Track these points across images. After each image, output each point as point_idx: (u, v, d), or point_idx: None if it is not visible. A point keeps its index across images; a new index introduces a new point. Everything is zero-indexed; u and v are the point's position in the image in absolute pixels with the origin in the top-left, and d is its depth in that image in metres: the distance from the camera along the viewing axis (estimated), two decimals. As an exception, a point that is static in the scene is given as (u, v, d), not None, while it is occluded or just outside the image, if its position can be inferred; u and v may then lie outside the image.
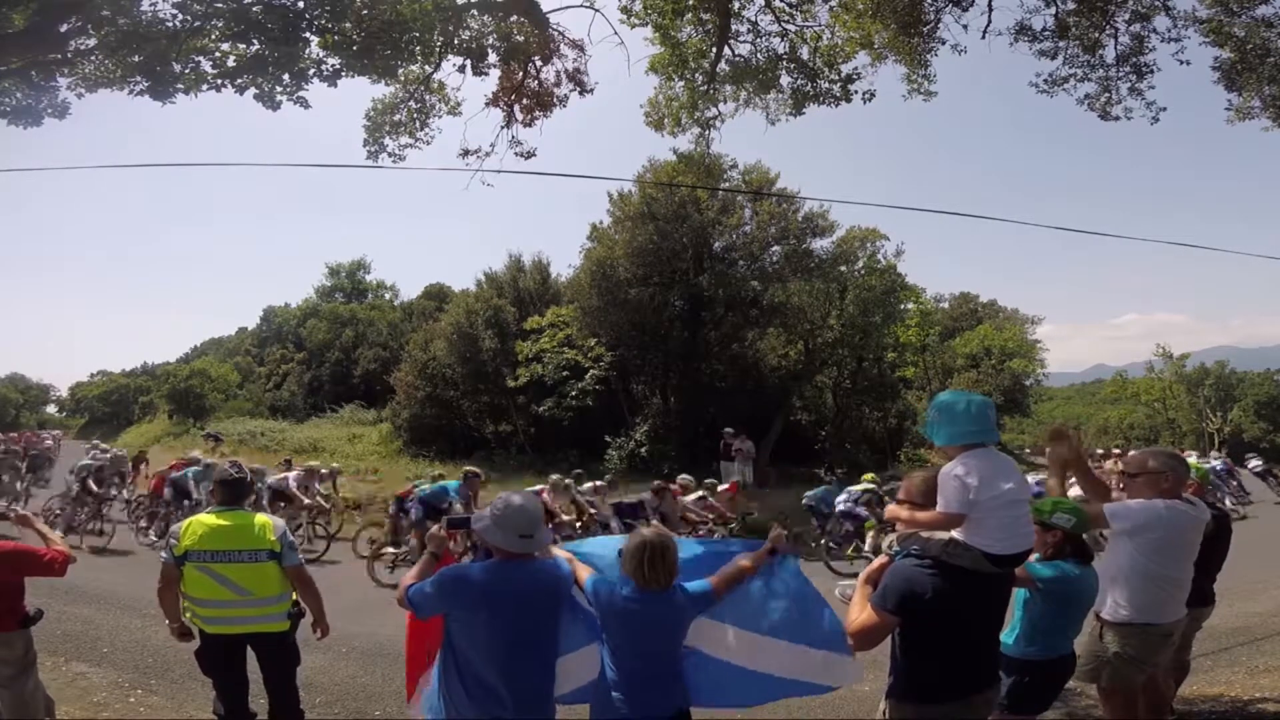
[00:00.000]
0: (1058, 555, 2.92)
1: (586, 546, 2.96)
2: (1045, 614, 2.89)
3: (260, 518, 3.50)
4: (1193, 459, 4.69)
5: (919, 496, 2.42)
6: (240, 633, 3.43)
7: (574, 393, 17.64)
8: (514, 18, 8.26)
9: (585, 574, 2.63)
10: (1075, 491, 3.93)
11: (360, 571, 8.69)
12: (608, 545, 2.84)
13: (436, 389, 20.06)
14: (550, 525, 9.24)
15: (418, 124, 8.70)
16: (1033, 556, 2.99)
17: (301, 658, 3.67)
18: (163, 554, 3.40)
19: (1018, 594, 2.96)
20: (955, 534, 2.24)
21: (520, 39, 8.43)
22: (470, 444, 19.66)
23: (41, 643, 5.40)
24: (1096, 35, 7.75)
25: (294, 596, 3.55)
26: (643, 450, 16.63)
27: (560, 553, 2.81)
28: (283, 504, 10.27)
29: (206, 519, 3.40)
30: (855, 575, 2.65)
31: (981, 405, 2.35)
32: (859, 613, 2.33)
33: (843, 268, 18.53)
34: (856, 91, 8.56)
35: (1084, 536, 3.02)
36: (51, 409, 63.38)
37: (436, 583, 2.46)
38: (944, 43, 8.19)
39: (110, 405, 45.66)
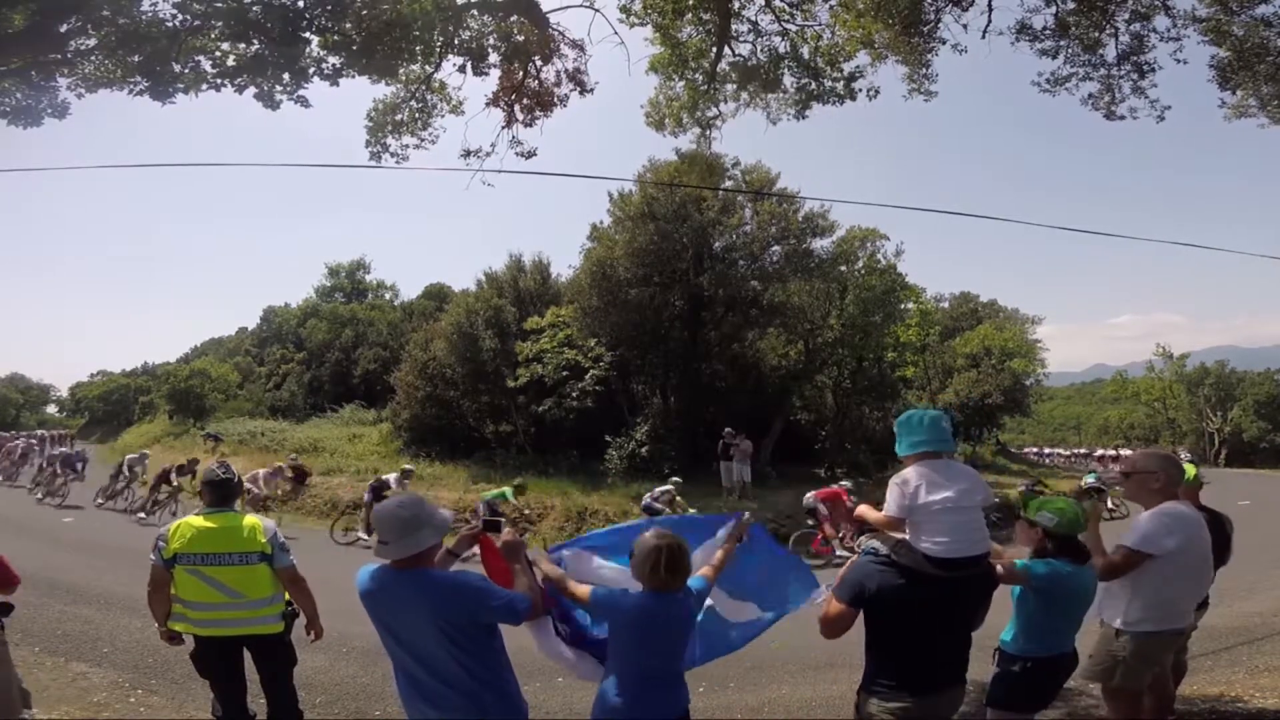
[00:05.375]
0: (1042, 553, 2.96)
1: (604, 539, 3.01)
2: (1038, 611, 2.92)
3: (250, 519, 3.41)
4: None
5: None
6: (233, 635, 3.38)
7: (574, 393, 17.64)
8: (514, 18, 8.25)
9: (584, 590, 2.59)
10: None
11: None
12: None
13: (436, 389, 20.05)
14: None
15: (419, 124, 8.69)
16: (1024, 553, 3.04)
17: (300, 658, 3.65)
18: (152, 556, 3.34)
19: (1014, 591, 3.01)
20: (903, 535, 2.44)
21: (520, 39, 8.43)
22: (470, 444, 19.65)
23: (42, 642, 5.46)
24: (1097, 34, 7.73)
25: (287, 597, 3.51)
26: (643, 450, 16.65)
27: (550, 569, 2.69)
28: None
29: (195, 521, 3.33)
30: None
31: (934, 418, 2.56)
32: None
33: (843, 268, 18.58)
34: (860, 90, 8.54)
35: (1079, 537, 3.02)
36: (51, 409, 63.37)
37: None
38: (944, 42, 8.14)
39: (110, 405, 45.49)
